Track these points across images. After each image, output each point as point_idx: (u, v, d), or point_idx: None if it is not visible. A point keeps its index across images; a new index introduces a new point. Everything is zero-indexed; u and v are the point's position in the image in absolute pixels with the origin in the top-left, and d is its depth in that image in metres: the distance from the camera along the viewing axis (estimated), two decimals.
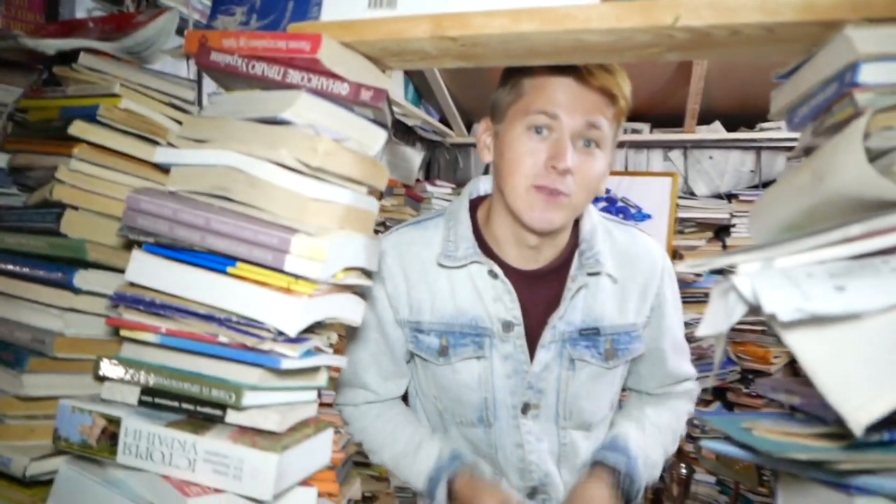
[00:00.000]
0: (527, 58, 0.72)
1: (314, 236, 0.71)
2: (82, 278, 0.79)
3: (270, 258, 0.71)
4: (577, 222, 0.96)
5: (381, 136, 0.84)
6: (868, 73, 0.51)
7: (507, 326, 0.93)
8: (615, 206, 2.75)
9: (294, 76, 0.74)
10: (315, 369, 0.82)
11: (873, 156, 0.48)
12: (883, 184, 0.46)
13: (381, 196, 2.54)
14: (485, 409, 0.96)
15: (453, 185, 3.10)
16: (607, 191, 2.78)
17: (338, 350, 0.83)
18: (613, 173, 2.80)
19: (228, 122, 0.78)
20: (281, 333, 0.71)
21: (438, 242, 0.96)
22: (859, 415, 0.41)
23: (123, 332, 0.76)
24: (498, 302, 0.93)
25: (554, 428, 0.96)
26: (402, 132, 2.58)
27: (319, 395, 0.87)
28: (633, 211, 2.73)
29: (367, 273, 0.85)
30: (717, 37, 0.60)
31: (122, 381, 0.75)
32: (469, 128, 3.09)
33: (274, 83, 0.75)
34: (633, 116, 2.88)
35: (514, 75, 0.90)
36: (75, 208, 0.80)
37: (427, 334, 0.96)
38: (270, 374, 0.73)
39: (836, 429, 0.50)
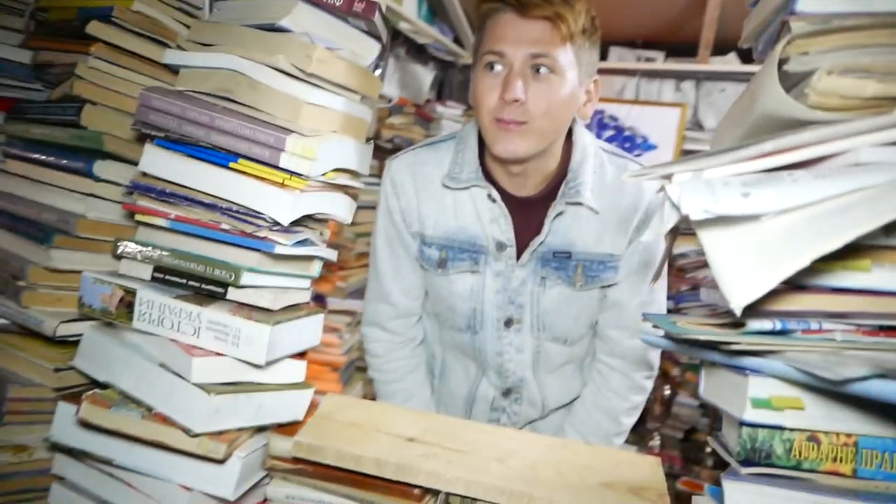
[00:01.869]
0: None
1: (307, 137, 0.78)
2: (101, 167, 0.88)
3: (267, 155, 0.79)
4: (569, 154, 1.01)
5: (374, 47, 0.89)
6: (806, 2, 0.56)
7: (500, 246, 1.01)
8: (622, 136, 2.77)
9: None
10: (308, 259, 0.92)
11: (792, 80, 0.54)
12: (792, 105, 0.52)
13: (389, 113, 2.56)
14: (473, 318, 1.06)
15: (465, 106, 3.11)
16: (615, 119, 2.78)
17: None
18: (622, 102, 2.79)
19: (232, 27, 0.84)
20: (276, 223, 0.80)
21: (447, 164, 1.03)
22: (739, 297, 0.49)
23: (138, 217, 0.85)
24: (494, 223, 1.01)
25: (531, 339, 1.06)
26: (413, 50, 2.58)
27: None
28: (639, 141, 2.75)
29: (357, 175, 0.93)
30: None
31: (136, 259, 0.85)
32: None
33: None
34: (647, 44, 2.84)
35: (478, 20, 0.95)
36: (94, 103, 0.88)
37: (429, 246, 1.04)
38: (266, 259, 0.82)
39: (736, 318, 0.59)
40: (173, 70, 0.89)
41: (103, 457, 0.80)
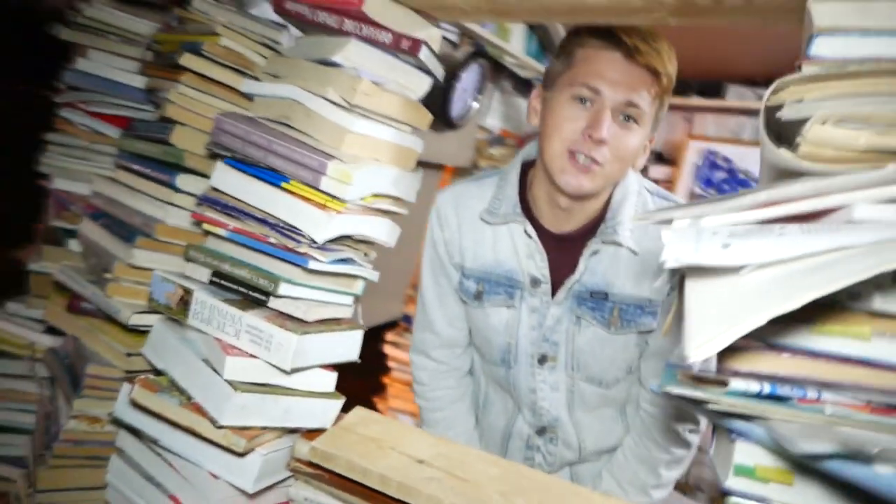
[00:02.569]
0: (546, 15, 0.78)
1: (345, 163, 0.84)
2: (182, 180, 0.99)
3: (311, 178, 0.86)
4: (612, 192, 1.00)
5: (424, 81, 0.94)
6: (822, 47, 0.53)
7: (535, 282, 1.01)
8: (735, 179, 2.61)
9: (349, 25, 0.86)
10: (352, 278, 0.97)
11: (787, 128, 0.51)
12: (781, 156, 0.49)
13: (488, 144, 2.59)
14: (507, 353, 1.06)
15: None
16: (728, 160, 2.63)
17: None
18: (738, 143, 2.64)
19: (298, 61, 0.93)
20: (313, 241, 0.86)
21: (488, 199, 1.05)
22: (694, 351, 0.46)
23: (204, 226, 0.96)
24: (530, 259, 1.01)
25: (565, 377, 1.04)
26: (517, 84, 2.62)
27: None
28: (753, 185, 2.57)
29: (403, 202, 0.97)
30: (701, 5, 0.62)
31: (199, 263, 0.95)
32: None
33: (333, 30, 0.88)
34: (769, 82, 2.66)
35: (567, 47, 0.94)
36: (182, 124, 1.00)
37: (468, 278, 1.07)
38: (304, 273, 0.89)
39: (721, 377, 0.55)
40: (250, 97, 0.99)
41: (151, 436, 0.90)
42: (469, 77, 2.11)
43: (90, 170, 1.16)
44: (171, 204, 0.99)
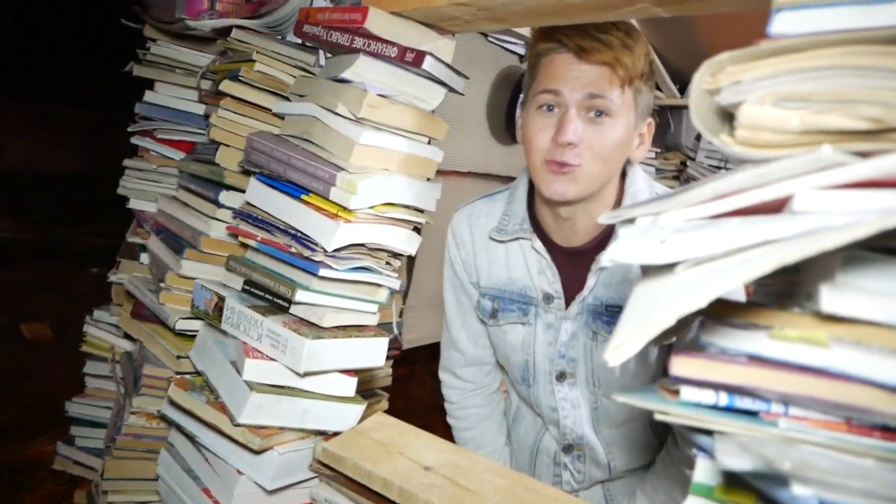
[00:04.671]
0: (536, 18, 0.77)
1: (352, 174, 0.87)
2: (225, 196, 1.08)
3: (322, 189, 0.90)
4: (622, 199, 0.95)
5: (438, 92, 0.95)
6: (782, 23, 0.48)
7: (548, 298, 0.98)
8: None
9: (358, 42, 0.90)
10: (375, 286, 1.00)
11: (724, 113, 0.47)
12: (718, 143, 0.46)
13: None
14: (526, 371, 1.04)
15: (658, 150, 2.97)
16: None
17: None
18: None
19: (319, 80, 0.98)
20: (325, 249, 0.90)
21: (498, 216, 1.04)
22: (611, 353, 0.44)
23: (240, 238, 1.03)
24: (541, 275, 0.99)
25: (588, 394, 1.00)
26: None
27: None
28: None
29: (419, 210, 0.99)
30: None
31: (235, 272, 1.02)
32: (682, 90, 2.90)
33: (346, 48, 0.92)
34: None
35: (530, 59, 0.94)
36: (226, 145, 1.09)
37: (483, 297, 1.06)
38: (321, 280, 0.92)
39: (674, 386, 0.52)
40: (281, 117, 1.06)
41: (189, 432, 0.97)
42: None
43: (158, 190, 1.29)
44: (215, 218, 1.07)
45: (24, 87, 7.79)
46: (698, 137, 2.99)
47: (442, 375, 1.19)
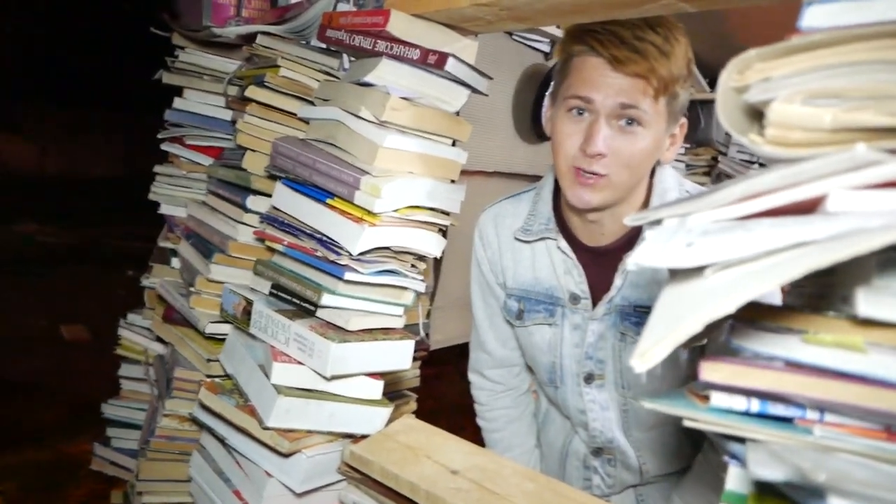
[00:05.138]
0: (559, 16, 0.76)
1: (376, 177, 0.87)
2: (252, 201, 1.09)
3: (346, 193, 0.90)
4: (650, 196, 0.93)
5: (461, 94, 0.95)
6: (813, 17, 0.47)
7: (574, 298, 0.97)
8: None
9: (380, 45, 0.90)
10: (401, 289, 1.00)
11: (753, 111, 0.45)
12: (743, 139, 0.44)
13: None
14: (553, 373, 1.03)
15: (687, 145, 2.91)
16: None
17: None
18: None
19: (342, 84, 0.99)
20: (351, 253, 0.90)
21: (524, 216, 1.03)
22: (638, 359, 0.43)
23: (266, 242, 1.04)
24: (568, 275, 0.97)
25: (617, 396, 0.98)
26: None
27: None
28: None
29: (445, 213, 0.99)
30: None
31: (263, 276, 1.03)
32: (712, 84, 2.84)
33: (369, 52, 0.92)
34: None
35: (561, 55, 0.91)
36: (253, 150, 1.10)
37: (510, 298, 1.05)
38: (346, 284, 0.93)
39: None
40: (306, 121, 1.07)
41: (221, 435, 0.99)
42: None
43: (188, 195, 1.31)
44: (242, 223, 1.08)
45: (62, 93, 8.05)
46: (727, 134, 2.93)
47: (471, 376, 1.19)
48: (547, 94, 0.96)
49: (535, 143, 2.10)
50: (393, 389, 1.34)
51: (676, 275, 0.50)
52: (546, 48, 2.05)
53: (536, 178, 1.02)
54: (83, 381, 2.66)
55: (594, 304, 0.97)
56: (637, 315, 0.92)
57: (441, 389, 2.99)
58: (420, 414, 1.15)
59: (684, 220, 0.53)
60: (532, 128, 2.05)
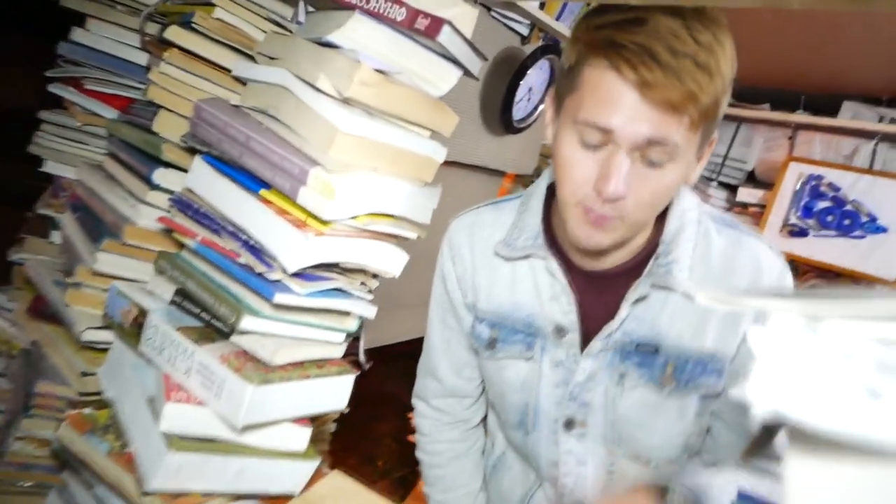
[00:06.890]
0: None
1: (330, 171, 0.65)
2: (160, 175, 0.84)
3: (288, 187, 0.68)
4: (664, 216, 0.76)
5: (451, 74, 0.74)
6: None
7: (560, 331, 0.79)
8: (840, 209, 2.24)
9: None
10: (344, 313, 0.79)
11: None
12: None
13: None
14: (525, 415, 0.85)
15: None
16: (836, 188, 2.27)
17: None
18: (850, 169, 2.27)
19: (297, 40, 0.75)
20: (286, 269, 0.68)
21: (506, 228, 0.83)
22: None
23: (176, 234, 0.80)
24: (554, 301, 0.79)
25: (602, 451, 0.82)
26: None
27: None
28: (863, 219, 2.19)
29: (413, 223, 0.78)
30: None
31: (167, 277, 0.79)
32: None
33: (337, 1, 0.70)
34: (888, 100, 2.26)
35: (572, 55, 0.69)
36: (169, 110, 0.85)
37: (480, 322, 0.86)
38: (280, 309, 0.71)
39: None
40: (243, 82, 0.83)
41: (87, 479, 0.75)
42: (537, 75, 1.88)
43: (81, 153, 1.03)
44: (145, 202, 0.83)
45: None
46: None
47: (415, 403, 0.99)
48: (547, 95, 0.74)
49: (501, 135, 1.91)
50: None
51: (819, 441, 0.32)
52: (525, 31, 1.85)
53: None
54: None
55: (586, 337, 0.78)
56: (640, 355, 0.75)
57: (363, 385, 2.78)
58: None
59: (814, 324, 0.35)
60: (500, 119, 1.85)
